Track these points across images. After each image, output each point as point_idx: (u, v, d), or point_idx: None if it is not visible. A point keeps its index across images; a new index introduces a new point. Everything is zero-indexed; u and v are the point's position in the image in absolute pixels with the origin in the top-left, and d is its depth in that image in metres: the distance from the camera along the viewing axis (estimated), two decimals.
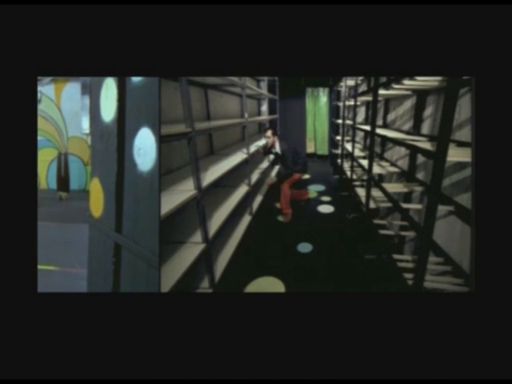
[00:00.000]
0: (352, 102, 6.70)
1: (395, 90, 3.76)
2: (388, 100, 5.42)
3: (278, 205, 6.46)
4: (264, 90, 8.18)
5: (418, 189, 3.54)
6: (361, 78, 6.83)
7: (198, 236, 3.18)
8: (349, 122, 7.51)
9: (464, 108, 2.71)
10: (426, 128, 3.64)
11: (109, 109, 2.56)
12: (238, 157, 4.79)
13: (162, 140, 2.19)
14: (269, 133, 6.06)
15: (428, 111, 3.61)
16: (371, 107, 4.11)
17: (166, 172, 3.62)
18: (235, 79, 4.40)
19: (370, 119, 3.93)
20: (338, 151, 8.80)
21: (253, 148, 5.60)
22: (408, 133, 4.00)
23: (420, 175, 3.79)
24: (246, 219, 5.17)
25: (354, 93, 6.27)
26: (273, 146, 6.18)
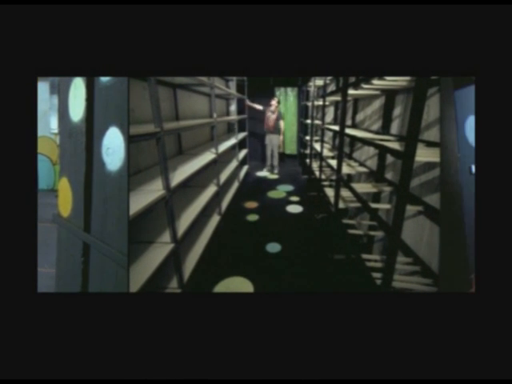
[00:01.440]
0: (321, 102, 6.71)
1: (364, 90, 3.76)
2: (357, 100, 5.44)
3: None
4: (233, 90, 8.14)
5: (387, 189, 3.55)
6: (329, 77, 6.84)
7: (166, 236, 3.16)
8: (317, 121, 7.53)
9: (432, 108, 2.73)
10: (394, 128, 3.66)
11: (77, 108, 2.51)
12: (206, 157, 4.78)
13: (130, 140, 2.17)
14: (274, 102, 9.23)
15: (397, 111, 3.62)
16: (340, 107, 4.10)
17: (135, 172, 3.59)
18: (204, 79, 4.38)
19: (339, 119, 3.92)
20: (307, 151, 8.83)
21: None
22: (377, 133, 4.01)
23: (389, 175, 3.81)
24: (215, 219, 5.18)
25: (323, 93, 6.28)
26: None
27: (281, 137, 9.96)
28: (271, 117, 9.27)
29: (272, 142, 9.50)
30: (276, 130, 9.40)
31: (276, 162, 9.84)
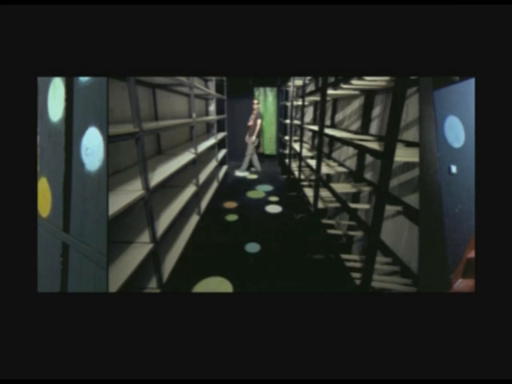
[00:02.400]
0: (300, 102, 6.72)
1: (343, 90, 3.77)
2: (336, 100, 5.46)
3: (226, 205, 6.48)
4: (212, 90, 8.12)
5: (366, 189, 3.56)
6: (308, 77, 6.85)
7: (145, 236, 3.17)
8: (297, 121, 7.54)
9: (412, 108, 2.73)
10: (374, 128, 3.67)
11: (56, 108, 2.50)
12: (185, 157, 4.78)
13: (109, 140, 2.18)
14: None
15: (376, 111, 3.63)
16: (319, 107, 4.10)
17: (114, 172, 3.57)
18: (183, 79, 4.38)
19: (318, 119, 3.92)
20: (286, 151, 8.83)
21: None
22: (356, 133, 4.02)
23: (368, 175, 3.82)
24: (194, 219, 5.19)
25: (302, 93, 6.28)
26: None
27: (253, 137, 9.43)
28: (252, 117, 9.34)
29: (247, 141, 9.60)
30: (252, 130, 9.40)
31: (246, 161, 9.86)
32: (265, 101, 11.57)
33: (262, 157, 11.78)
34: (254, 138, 9.32)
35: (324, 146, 5.64)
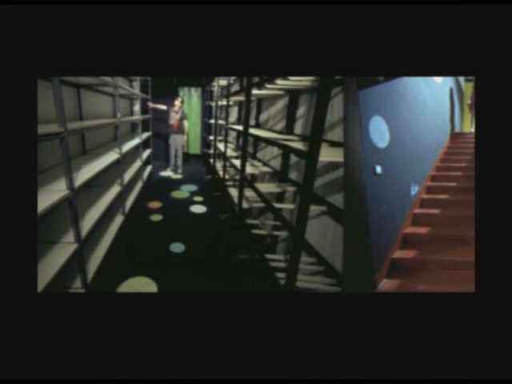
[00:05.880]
0: (225, 102, 6.69)
1: (268, 90, 3.76)
2: (261, 100, 5.47)
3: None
4: (137, 90, 8.06)
5: (291, 189, 3.57)
6: (233, 77, 6.85)
7: (70, 236, 3.20)
8: (221, 121, 7.51)
9: (336, 108, 2.75)
10: (298, 128, 3.69)
11: None
12: (110, 157, 4.83)
13: None
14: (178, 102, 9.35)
15: (300, 111, 3.65)
16: (244, 107, 4.09)
17: (39, 172, 3.52)
18: (108, 79, 4.41)
19: (243, 119, 3.90)
20: (211, 151, 8.81)
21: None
22: (281, 132, 4.03)
23: (293, 175, 3.84)
24: (119, 219, 5.26)
25: (227, 93, 6.26)
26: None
27: (185, 137, 10.03)
28: (175, 117, 9.28)
29: (176, 141, 9.56)
30: (180, 129, 9.45)
31: (180, 161, 9.94)
32: (189, 101, 11.49)
33: (187, 156, 11.71)
34: (185, 137, 9.85)
35: (249, 146, 5.64)
